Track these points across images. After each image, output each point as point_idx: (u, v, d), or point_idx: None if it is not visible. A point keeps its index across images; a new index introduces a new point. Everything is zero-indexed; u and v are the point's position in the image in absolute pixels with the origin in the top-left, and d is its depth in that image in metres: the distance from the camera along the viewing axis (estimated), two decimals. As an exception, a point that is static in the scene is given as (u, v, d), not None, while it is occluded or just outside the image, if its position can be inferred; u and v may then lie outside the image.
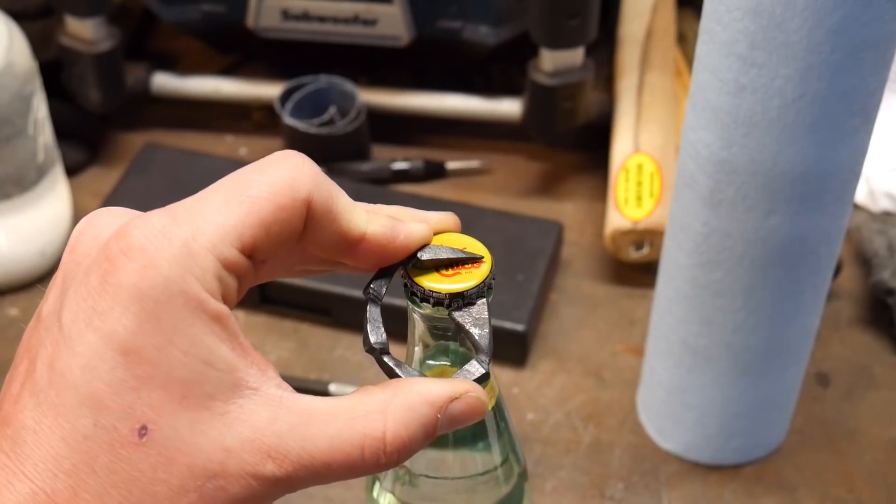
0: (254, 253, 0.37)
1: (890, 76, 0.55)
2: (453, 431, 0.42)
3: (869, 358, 0.77)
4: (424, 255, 0.40)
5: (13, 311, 0.79)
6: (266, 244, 0.37)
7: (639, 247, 0.79)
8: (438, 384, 0.38)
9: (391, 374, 0.39)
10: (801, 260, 0.60)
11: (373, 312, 0.40)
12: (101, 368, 0.34)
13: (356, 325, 0.76)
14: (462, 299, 0.39)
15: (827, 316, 0.76)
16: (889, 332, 0.78)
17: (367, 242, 0.39)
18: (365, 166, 0.86)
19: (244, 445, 0.35)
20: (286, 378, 0.78)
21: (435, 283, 0.39)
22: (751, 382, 0.66)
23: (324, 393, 0.73)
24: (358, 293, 0.63)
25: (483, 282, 0.39)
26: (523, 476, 0.48)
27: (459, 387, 0.38)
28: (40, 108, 0.78)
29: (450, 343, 0.43)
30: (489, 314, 0.40)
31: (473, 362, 0.39)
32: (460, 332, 0.40)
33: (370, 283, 0.41)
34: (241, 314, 0.78)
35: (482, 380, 0.39)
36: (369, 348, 0.40)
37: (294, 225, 0.37)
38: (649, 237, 0.78)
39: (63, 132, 0.85)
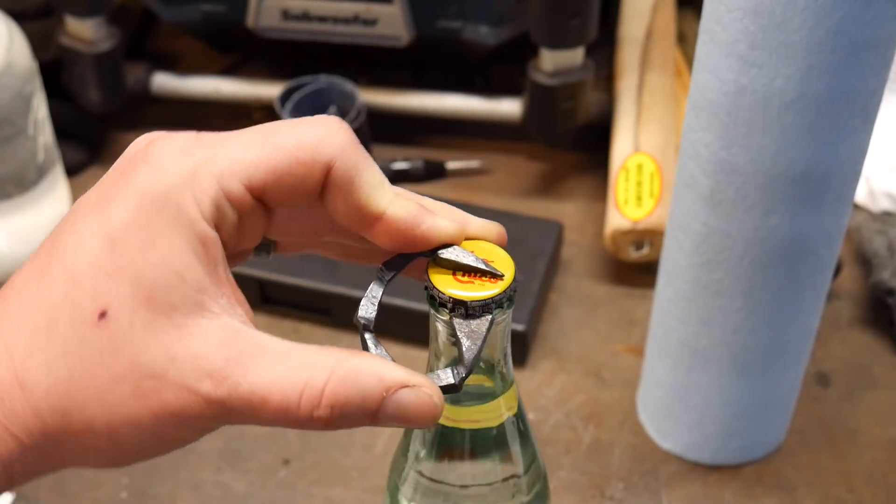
0: (263, 196, 0.38)
1: (890, 76, 0.55)
2: (475, 439, 0.42)
3: (869, 358, 0.77)
4: (445, 254, 0.39)
5: (13, 311, 0.79)
6: (277, 192, 0.38)
7: (639, 247, 0.79)
8: (396, 368, 0.37)
9: (365, 349, 0.39)
10: (801, 260, 0.60)
11: (374, 289, 0.40)
12: (88, 249, 0.36)
13: (356, 325, 0.76)
14: (465, 308, 0.39)
15: (827, 316, 0.76)
16: (889, 332, 0.78)
17: (386, 223, 0.39)
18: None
19: (189, 359, 0.36)
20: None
21: (446, 284, 0.39)
22: (751, 382, 0.66)
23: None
24: (358, 294, 0.63)
25: (491, 298, 0.39)
26: (545, 484, 0.48)
27: (416, 378, 0.37)
28: (40, 108, 0.78)
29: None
30: (487, 333, 0.39)
31: (448, 370, 0.39)
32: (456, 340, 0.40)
33: (385, 261, 0.40)
34: (241, 314, 0.78)
35: (448, 390, 0.38)
36: (355, 320, 0.40)
37: (309, 183, 0.38)
38: (649, 237, 0.78)
39: (63, 132, 0.85)
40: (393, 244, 0.40)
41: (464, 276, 0.39)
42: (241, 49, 0.96)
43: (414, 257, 0.40)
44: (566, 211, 0.86)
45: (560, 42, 0.81)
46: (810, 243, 0.59)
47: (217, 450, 0.70)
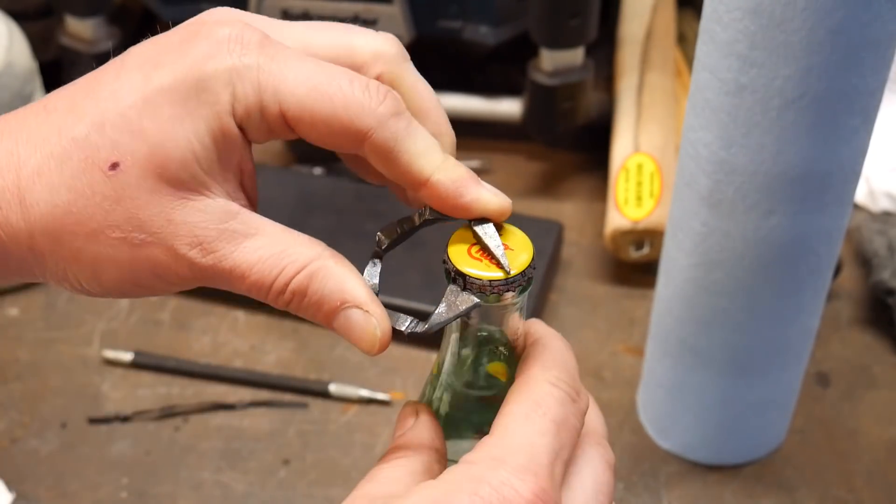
0: (296, 128, 0.40)
1: (890, 76, 0.55)
2: (482, 415, 0.43)
3: (869, 358, 0.77)
4: (476, 226, 0.40)
5: (13, 311, 0.79)
6: (310, 131, 0.40)
7: (639, 247, 0.79)
8: (362, 289, 0.40)
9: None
10: (801, 260, 0.60)
11: (406, 222, 0.42)
12: (123, 101, 0.39)
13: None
14: (463, 281, 0.40)
15: (827, 316, 0.76)
16: (889, 332, 0.78)
17: (430, 188, 0.40)
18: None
19: (185, 226, 0.39)
20: (285, 377, 0.78)
21: (458, 252, 0.40)
22: (751, 382, 0.66)
23: (324, 394, 0.73)
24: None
25: (485, 280, 0.39)
26: None
27: (372, 307, 0.40)
28: (40, 108, 0.78)
29: (494, 333, 0.43)
30: (465, 312, 0.40)
31: (410, 319, 0.40)
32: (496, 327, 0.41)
33: (427, 207, 0.42)
34: (241, 314, 0.78)
35: (397, 334, 0.40)
36: (377, 234, 0.42)
37: (343, 139, 0.40)
38: (649, 237, 0.78)
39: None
40: (438, 207, 0.41)
41: (479, 251, 0.40)
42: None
43: (450, 219, 0.41)
44: (566, 211, 0.86)
45: (560, 42, 0.81)
46: (810, 243, 0.59)
47: (217, 450, 0.70)
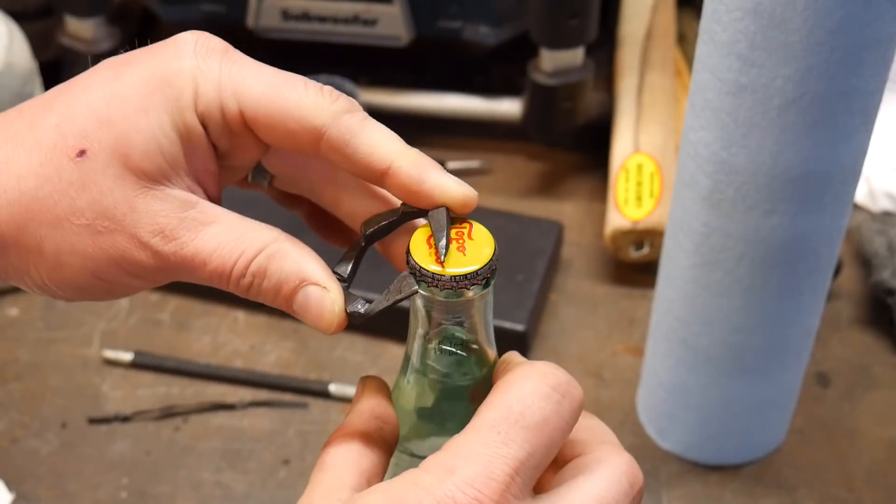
0: (254, 128, 0.41)
1: (890, 76, 0.55)
2: (457, 409, 0.43)
3: (869, 358, 0.77)
4: (432, 218, 0.41)
5: (13, 311, 0.79)
6: (268, 133, 0.41)
7: (639, 247, 0.79)
8: (320, 270, 0.41)
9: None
10: (801, 260, 0.60)
11: (389, 216, 0.43)
12: (92, 94, 0.40)
13: (355, 325, 0.76)
14: (412, 266, 0.40)
15: (827, 316, 0.76)
16: (889, 332, 0.78)
17: (392, 176, 0.41)
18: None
19: (148, 214, 0.40)
20: (285, 377, 0.78)
21: (420, 236, 0.40)
22: (751, 382, 0.66)
23: (324, 394, 0.73)
24: (360, 294, 0.63)
25: (426, 271, 0.39)
26: None
27: (331, 284, 0.41)
28: (40, 108, 0.78)
29: (455, 329, 0.42)
30: (401, 299, 0.40)
31: (362, 302, 0.41)
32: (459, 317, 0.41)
33: (404, 206, 0.42)
34: (241, 314, 0.78)
35: (348, 308, 0.41)
36: (361, 225, 0.43)
37: (300, 139, 0.41)
38: (649, 237, 0.78)
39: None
40: (403, 196, 0.42)
41: (435, 243, 0.40)
42: (242, 49, 0.96)
43: (419, 214, 0.42)
44: (566, 211, 0.86)
45: (560, 42, 0.81)
46: (810, 243, 0.59)
47: (217, 450, 0.70)
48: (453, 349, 0.43)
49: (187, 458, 0.70)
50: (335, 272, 0.42)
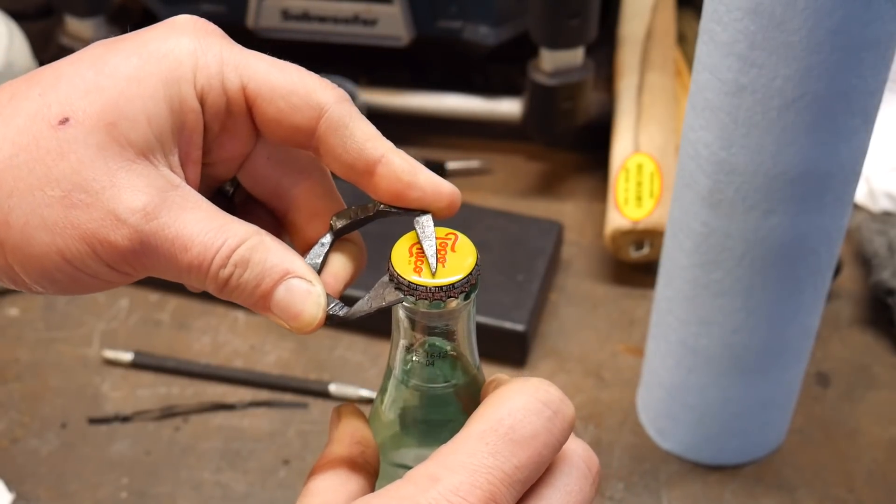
0: (254, 107, 0.40)
1: (890, 76, 0.55)
2: (441, 419, 0.42)
3: (869, 358, 0.77)
4: (418, 224, 0.40)
5: (13, 311, 0.79)
6: (268, 110, 0.40)
7: (639, 247, 0.79)
8: (303, 265, 0.39)
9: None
10: (801, 260, 0.60)
11: (361, 210, 0.42)
12: (80, 64, 0.39)
13: (356, 325, 0.77)
14: (390, 274, 0.39)
15: (827, 316, 0.76)
16: (889, 332, 0.78)
17: (385, 167, 0.40)
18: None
19: (129, 189, 0.37)
20: (285, 377, 0.77)
21: (402, 246, 0.40)
22: (751, 382, 0.66)
23: (324, 394, 0.73)
24: (358, 294, 0.63)
25: (407, 282, 0.39)
26: None
27: (314, 278, 0.39)
28: (40, 108, 0.78)
29: (436, 339, 0.42)
30: (386, 306, 0.40)
31: (339, 304, 0.40)
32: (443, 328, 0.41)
33: (387, 204, 0.41)
34: (241, 314, 0.78)
35: (328, 308, 0.40)
36: (332, 217, 0.42)
37: (300, 118, 0.40)
38: (649, 237, 0.78)
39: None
40: (391, 194, 0.41)
41: (418, 249, 0.40)
42: (241, 49, 0.96)
43: (411, 213, 0.41)
44: (566, 211, 0.87)
45: (560, 42, 0.81)
46: (810, 243, 0.59)
47: (217, 450, 0.70)
48: (436, 359, 0.42)
49: (187, 458, 0.70)
50: (335, 217, 0.42)
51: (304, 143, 0.41)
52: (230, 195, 0.44)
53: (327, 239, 0.42)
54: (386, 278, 0.40)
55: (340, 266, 0.42)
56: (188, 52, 0.39)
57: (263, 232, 0.39)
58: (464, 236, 0.41)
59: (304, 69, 0.41)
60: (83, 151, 0.37)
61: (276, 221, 0.44)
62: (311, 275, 0.39)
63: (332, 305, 0.40)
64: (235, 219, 0.39)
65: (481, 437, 0.37)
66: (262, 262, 0.39)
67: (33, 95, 0.38)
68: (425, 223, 0.40)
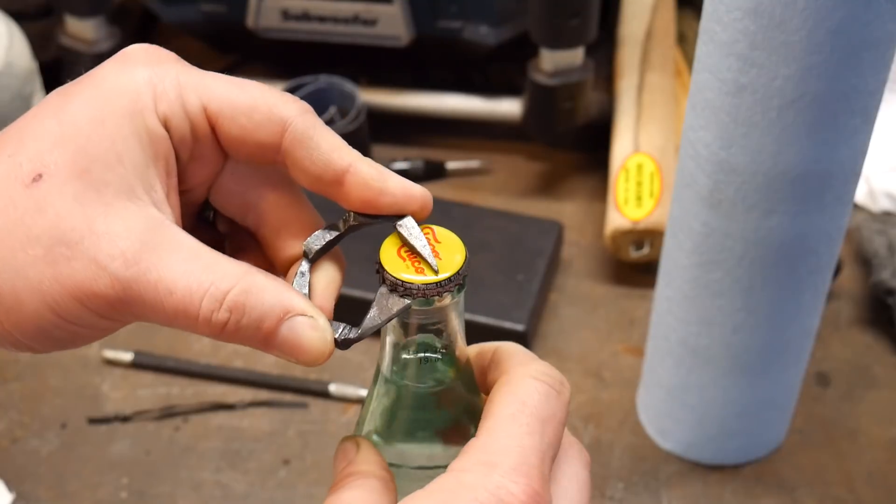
0: (217, 128, 0.39)
1: (890, 76, 0.55)
2: (436, 415, 0.42)
3: (869, 358, 0.77)
4: (402, 228, 0.40)
5: (13, 311, 0.79)
6: (231, 128, 0.39)
7: (639, 247, 0.79)
8: (299, 298, 0.38)
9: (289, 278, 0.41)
10: (801, 260, 0.60)
11: (332, 228, 0.41)
12: (42, 117, 0.38)
13: (355, 325, 0.76)
14: (387, 283, 0.39)
15: (827, 316, 0.76)
16: (889, 332, 0.78)
17: (353, 176, 0.40)
18: (365, 166, 0.86)
19: (107, 236, 0.37)
20: (285, 377, 0.77)
21: (387, 252, 0.40)
22: (751, 382, 0.66)
23: (324, 394, 0.73)
24: (357, 294, 0.63)
25: (414, 284, 0.39)
26: None
27: (316, 312, 0.38)
28: (40, 108, 0.78)
29: (427, 337, 0.42)
30: (395, 315, 0.39)
31: (343, 326, 0.39)
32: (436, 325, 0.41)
33: (357, 212, 0.41)
34: (241, 314, 0.78)
35: (336, 341, 0.39)
36: (304, 243, 0.41)
37: (264, 134, 0.39)
38: (649, 237, 0.78)
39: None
40: (361, 202, 0.40)
41: (407, 253, 0.40)
42: (241, 49, 0.96)
43: (384, 220, 0.41)
44: (566, 211, 0.86)
45: (560, 42, 0.81)
46: (810, 243, 0.59)
47: (217, 450, 0.70)
48: (428, 356, 0.42)
49: (187, 458, 0.70)
50: (307, 245, 0.41)
51: (270, 158, 0.40)
52: (211, 220, 0.44)
53: (305, 267, 0.41)
54: (384, 289, 0.39)
55: (326, 284, 0.42)
56: (144, 81, 0.39)
57: (253, 269, 0.38)
58: (437, 226, 0.41)
59: (265, 85, 0.40)
60: (60, 204, 0.37)
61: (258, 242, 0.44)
62: (311, 308, 0.38)
63: (341, 330, 0.40)
64: (221, 256, 0.38)
65: (513, 419, 0.38)
66: (259, 304, 0.37)
67: (2, 158, 0.37)
68: (409, 225, 0.40)
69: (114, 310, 0.37)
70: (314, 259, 0.41)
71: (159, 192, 0.38)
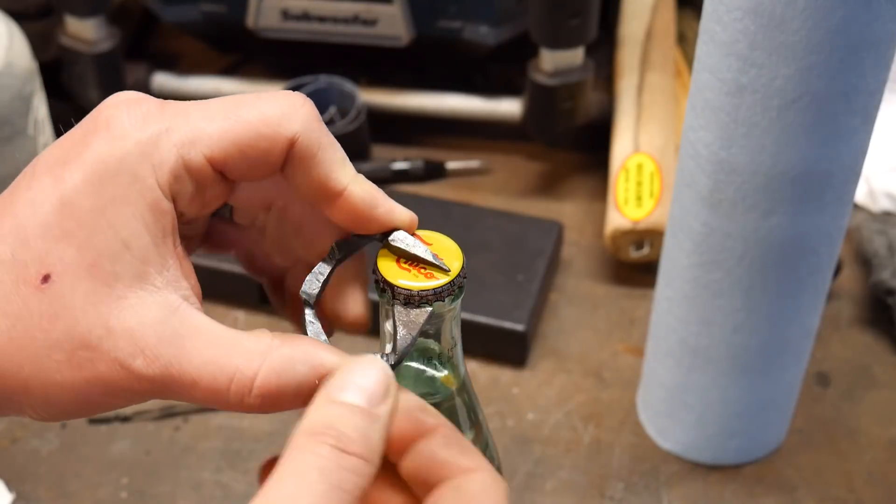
0: (224, 169, 0.38)
1: (890, 76, 0.55)
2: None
3: (869, 358, 0.77)
4: (396, 241, 0.40)
5: (13, 311, 0.79)
6: (238, 165, 0.38)
7: (639, 247, 0.79)
8: (329, 353, 0.37)
9: (301, 327, 0.40)
10: (801, 260, 0.60)
11: (322, 267, 0.41)
12: (40, 210, 0.37)
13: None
14: (403, 297, 0.39)
15: (827, 316, 0.76)
16: (889, 332, 0.78)
17: (345, 200, 0.39)
18: (365, 166, 0.86)
19: (125, 333, 0.36)
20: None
21: (390, 270, 0.39)
22: (751, 382, 0.66)
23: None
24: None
25: (431, 290, 0.39)
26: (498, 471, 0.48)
27: (343, 358, 0.37)
28: (40, 108, 0.78)
29: (428, 341, 0.42)
30: (425, 324, 0.39)
31: (377, 355, 0.39)
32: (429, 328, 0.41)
33: (338, 241, 0.41)
34: (241, 314, 0.78)
35: None
36: (301, 293, 0.41)
37: (271, 157, 0.38)
38: (649, 237, 0.78)
39: (63, 132, 0.85)
40: (350, 222, 0.40)
41: (408, 263, 0.40)
42: (241, 49, 0.96)
43: (368, 241, 0.41)
44: (566, 211, 0.86)
45: (560, 42, 0.81)
46: (810, 243, 0.59)
47: (217, 450, 0.70)
48: (426, 361, 0.42)
49: (187, 458, 0.70)
50: (305, 293, 0.41)
51: (277, 171, 0.40)
52: (229, 216, 0.44)
53: (310, 314, 0.41)
54: (399, 306, 0.39)
55: (354, 304, 0.43)
56: (138, 155, 0.37)
57: (276, 341, 0.37)
58: (420, 230, 0.41)
59: (259, 99, 0.39)
60: (73, 305, 0.36)
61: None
62: (343, 359, 0.37)
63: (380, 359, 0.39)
64: (241, 335, 0.37)
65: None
66: (294, 377, 0.36)
67: (6, 257, 0.36)
68: (401, 237, 0.40)
69: (147, 396, 0.37)
70: (315, 304, 0.41)
71: (172, 268, 0.38)
